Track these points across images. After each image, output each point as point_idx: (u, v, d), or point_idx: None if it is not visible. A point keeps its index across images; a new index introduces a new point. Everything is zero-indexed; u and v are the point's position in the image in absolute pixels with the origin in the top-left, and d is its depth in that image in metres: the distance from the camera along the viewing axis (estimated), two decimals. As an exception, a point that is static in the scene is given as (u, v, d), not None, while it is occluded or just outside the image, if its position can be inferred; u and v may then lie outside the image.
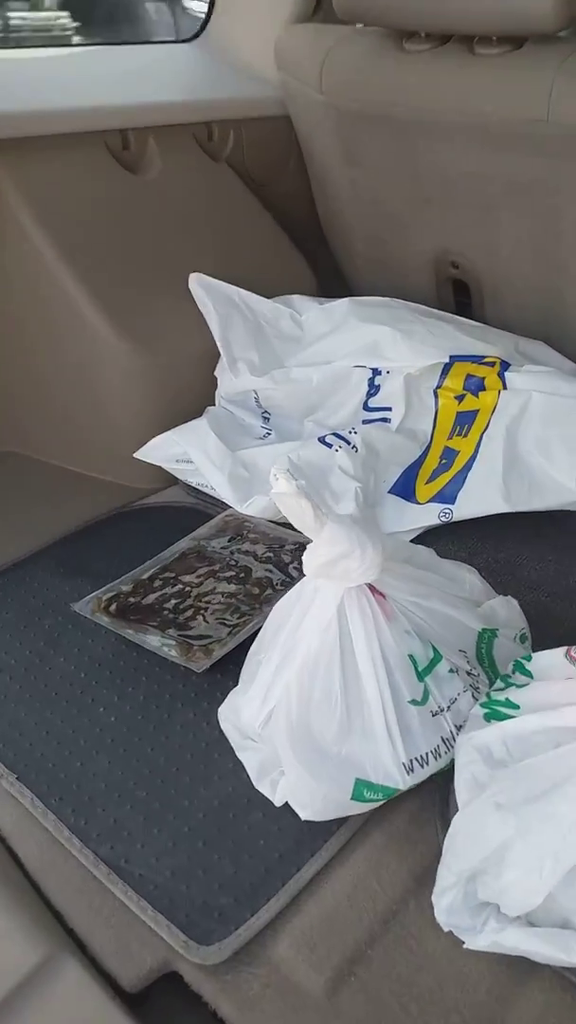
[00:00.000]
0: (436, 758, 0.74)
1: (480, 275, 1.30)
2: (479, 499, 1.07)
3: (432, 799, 0.79)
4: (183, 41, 1.60)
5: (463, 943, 0.65)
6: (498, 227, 1.20)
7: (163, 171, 1.36)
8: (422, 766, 0.74)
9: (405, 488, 1.16)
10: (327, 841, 0.76)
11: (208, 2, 1.56)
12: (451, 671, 0.77)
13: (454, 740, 0.75)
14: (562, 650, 0.74)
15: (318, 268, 1.51)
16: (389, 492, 1.16)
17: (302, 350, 1.26)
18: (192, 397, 1.25)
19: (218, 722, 0.84)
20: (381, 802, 0.75)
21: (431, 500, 1.12)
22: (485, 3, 1.08)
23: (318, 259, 1.53)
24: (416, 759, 0.74)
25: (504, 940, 0.63)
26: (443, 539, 1.10)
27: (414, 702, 0.73)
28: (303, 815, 0.74)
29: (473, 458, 1.11)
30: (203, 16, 1.57)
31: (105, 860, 0.74)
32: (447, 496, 1.10)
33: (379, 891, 0.72)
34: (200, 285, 1.28)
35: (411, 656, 0.75)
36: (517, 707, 0.72)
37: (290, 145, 1.50)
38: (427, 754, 0.74)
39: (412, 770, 0.74)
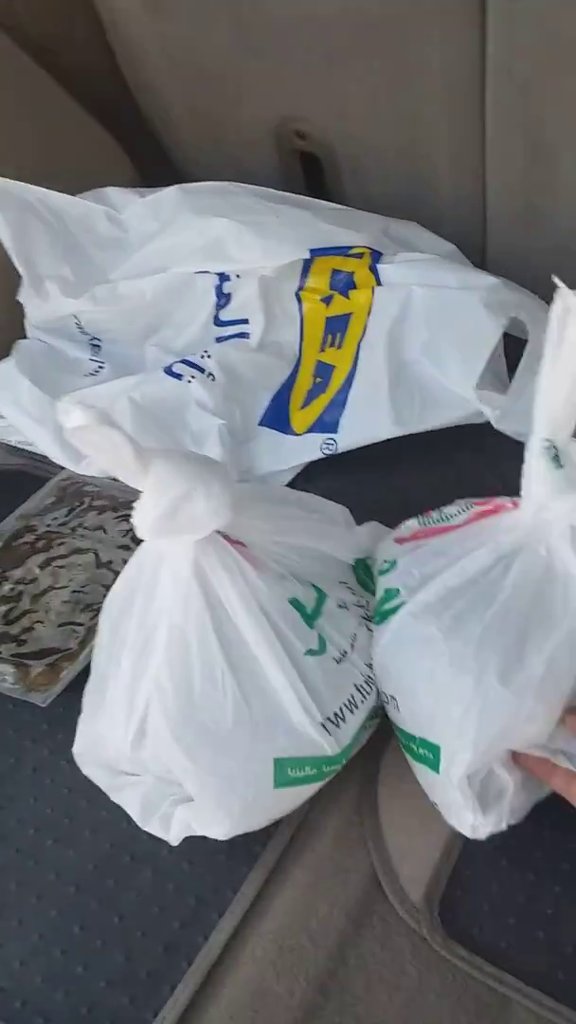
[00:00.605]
0: (355, 708, 0.62)
1: (332, 144, 1.10)
2: (365, 423, 0.92)
3: (355, 806, 0.66)
4: None
5: (420, 988, 0.54)
6: (348, 80, 1.00)
7: None
8: (344, 719, 0.61)
9: (278, 417, 0.98)
10: (237, 891, 0.62)
11: None
12: (340, 607, 0.64)
13: (369, 685, 0.63)
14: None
15: (136, 152, 1.26)
16: (260, 424, 0.98)
17: (128, 257, 1.04)
18: (-5, 333, 1.01)
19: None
20: (314, 784, 0.61)
21: (310, 430, 0.95)
22: None
23: (136, 141, 1.28)
24: (334, 715, 0.60)
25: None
26: (326, 473, 0.94)
27: (311, 652, 0.60)
28: (221, 833, 0.59)
29: (352, 374, 0.95)
30: None
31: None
32: (328, 424, 0.94)
33: (310, 947, 0.59)
34: (-17, 186, 1.02)
35: (294, 601, 0.61)
36: (397, 591, 0.63)
37: (77, -3, 1.22)
38: (343, 707, 0.61)
39: (337, 724, 0.61)
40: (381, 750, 0.69)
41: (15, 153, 1.09)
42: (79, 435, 0.51)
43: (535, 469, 0.58)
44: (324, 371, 0.98)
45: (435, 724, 0.58)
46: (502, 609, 0.57)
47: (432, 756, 0.58)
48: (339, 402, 0.94)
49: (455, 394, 0.90)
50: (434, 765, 0.58)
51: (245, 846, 0.64)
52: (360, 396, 0.93)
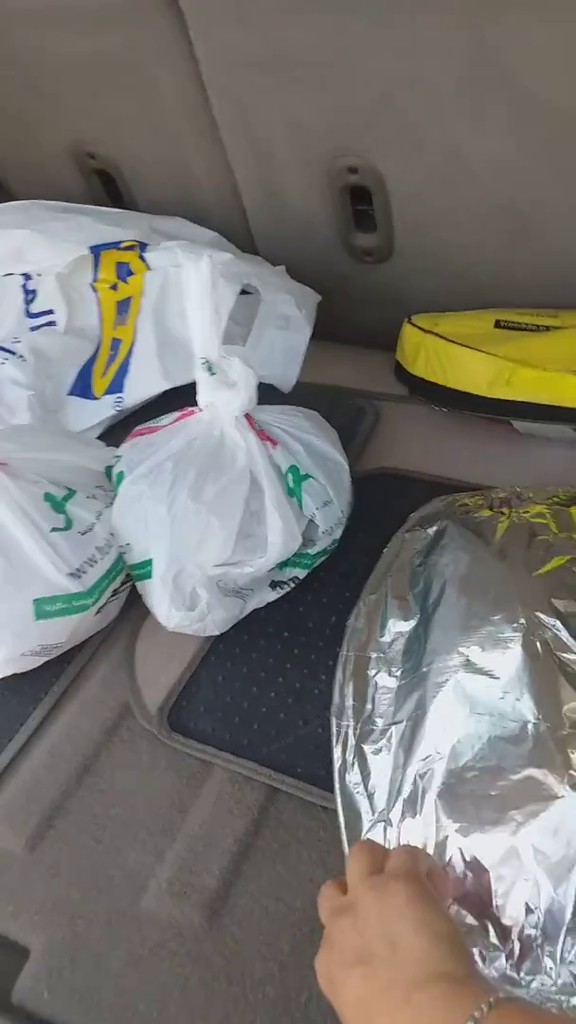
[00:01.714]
0: (96, 562, 0.82)
1: (116, 161, 1.28)
2: (143, 381, 1.11)
3: (119, 659, 0.85)
4: None
5: (151, 769, 0.73)
6: (113, 110, 1.18)
7: None
8: (91, 566, 0.82)
9: (83, 387, 1.17)
10: (23, 724, 0.81)
11: None
12: (89, 497, 0.86)
13: (108, 546, 0.84)
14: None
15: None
16: (69, 394, 1.17)
17: (-51, 270, 1.22)
18: None
19: None
20: (71, 616, 0.80)
21: (105, 392, 1.14)
22: None
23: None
24: (78, 568, 0.81)
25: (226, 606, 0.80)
26: (119, 431, 1.12)
27: (56, 529, 0.80)
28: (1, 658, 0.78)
29: (133, 343, 1.14)
30: None
31: None
32: (116, 385, 1.13)
33: (72, 752, 0.78)
34: None
35: (47, 495, 0.81)
36: (122, 473, 0.86)
37: None
38: (86, 562, 0.81)
39: (81, 574, 0.81)
40: (140, 621, 0.89)
41: None
42: None
43: (200, 379, 0.80)
44: (116, 345, 1.17)
45: (149, 546, 0.80)
46: (187, 466, 0.80)
47: (149, 568, 0.80)
48: (124, 367, 1.13)
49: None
50: (149, 574, 0.79)
51: (31, 693, 0.83)
52: (138, 360, 1.12)
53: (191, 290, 0.79)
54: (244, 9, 0.94)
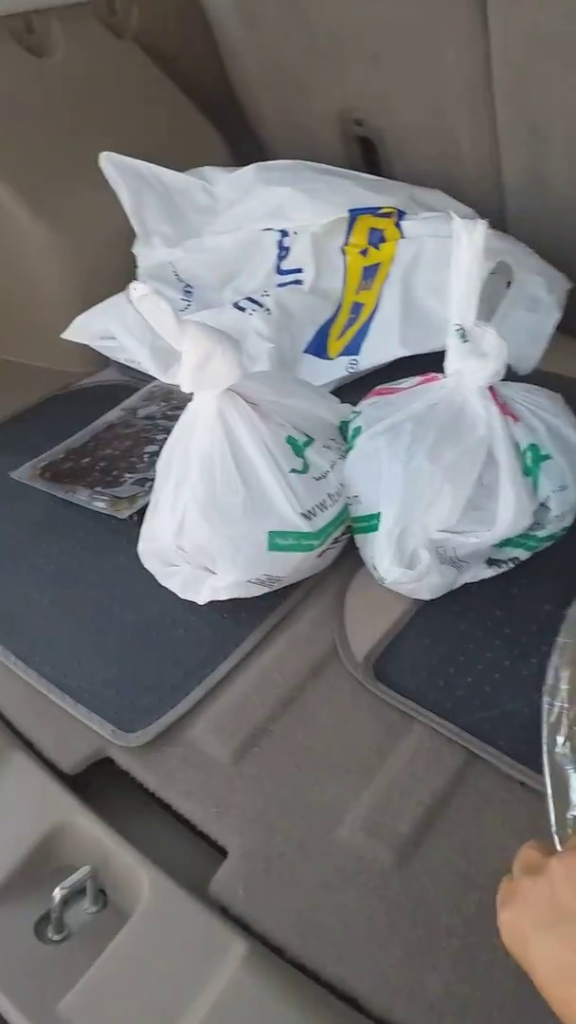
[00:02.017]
0: (326, 508, 0.85)
1: (381, 130, 1.29)
2: (381, 347, 1.12)
3: (329, 604, 0.88)
4: None
5: (353, 711, 0.76)
6: (389, 78, 1.20)
7: (68, 52, 1.34)
8: (321, 511, 0.85)
9: (319, 346, 1.20)
10: (238, 646, 0.85)
11: None
12: (325, 447, 0.88)
13: (339, 494, 0.86)
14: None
15: (236, 137, 1.50)
16: (304, 351, 1.20)
17: (215, 219, 1.28)
18: (115, 274, 1.27)
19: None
20: (296, 553, 0.83)
21: (340, 354, 1.16)
22: None
23: (236, 127, 1.52)
24: (309, 510, 0.84)
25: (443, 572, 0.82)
26: (350, 390, 1.15)
27: (295, 471, 0.83)
28: (233, 578, 0.83)
29: (375, 309, 1.15)
30: None
31: (47, 677, 0.83)
32: (353, 348, 1.15)
33: (281, 681, 0.82)
34: (111, 163, 1.28)
35: (289, 439, 0.84)
36: (360, 428, 0.88)
37: (195, 13, 1.47)
38: (317, 505, 0.84)
39: (312, 516, 0.84)
40: (353, 573, 0.91)
41: (138, 138, 1.34)
42: (140, 304, 0.76)
43: (451, 345, 0.80)
44: (356, 308, 1.19)
45: (380, 500, 0.82)
46: (427, 429, 0.81)
47: (375, 522, 0.82)
48: (363, 332, 1.15)
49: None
50: (375, 527, 0.82)
51: (247, 620, 0.88)
52: (378, 326, 1.13)
53: (458, 255, 0.78)
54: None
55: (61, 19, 1.34)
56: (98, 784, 0.77)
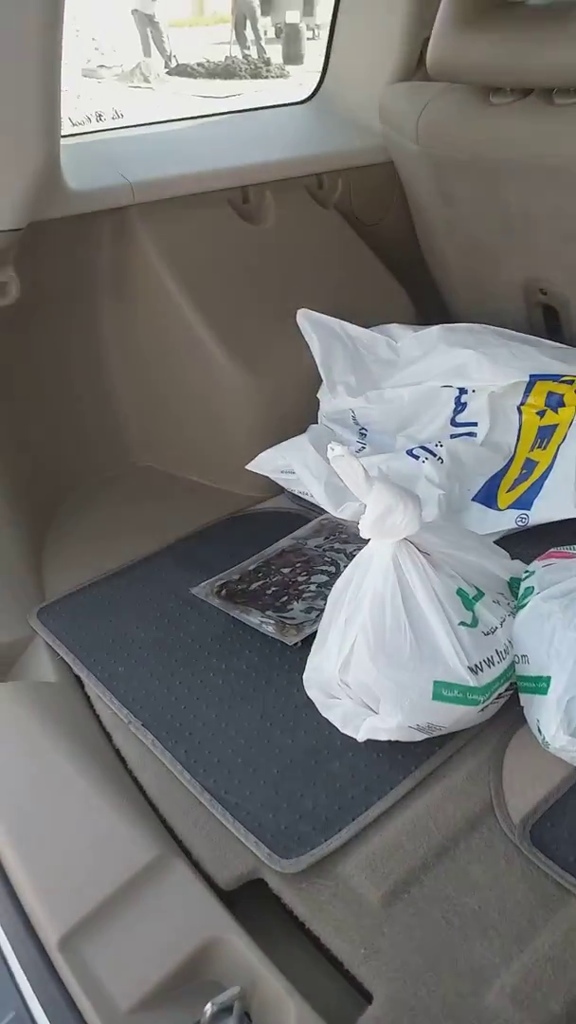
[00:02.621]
0: (494, 664, 0.89)
1: (567, 300, 1.40)
2: (553, 505, 1.18)
3: (487, 759, 0.91)
4: (299, 103, 1.80)
5: (506, 873, 0.77)
6: (577, 256, 1.31)
7: (278, 219, 1.55)
8: (488, 667, 0.89)
9: (488, 496, 1.27)
10: (393, 788, 0.89)
11: (322, 68, 1.75)
12: (495, 602, 0.93)
13: (507, 651, 0.91)
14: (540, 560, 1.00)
15: (421, 297, 1.66)
16: (473, 500, 1.28)
17: (396, 373, 1.41)
18: (297, 417, 1.42)
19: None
20: (459, 706, 0.87)
21: (510, 506, 1.23)
22: (562, 59, 1.21)
23: (422, 289, 1.68)
24: (476, 664, 0.88)
25: None
26: (519, 544, 1.21)
27: (464, 624, 0.89)
28: (394, 722, 0.87)
29: (550, 468, 1.22)
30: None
31: (208, 790, 0.90)
32: (524, 502, 1.21)
33: (435, 831, 0.85)
34: (306, 319, 1.45)
35: (459, 591, 0.90)
36: (532, 588, 0.94)
37: (393, 188, 1.66)
38: (484, 661, 0.89)
39: (478, 671, 0.88)
40: (513, 730, 0.94)
41: (334, 297, 1.52)
42: (336, 462, 0.86)
43: None
44: (529, 465, 1.26)
45: (550, 664, 0.86)
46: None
47: (545, 685, 0.86)
48: (536, 487, 1.22)
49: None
50: (544, 691, 0.85)
51: (403, 763, 0.92)
52: (553, 484, 1.20)
53: None
54: None
55: (274, 191, 1.56)
56: (249, 903, 0.82)
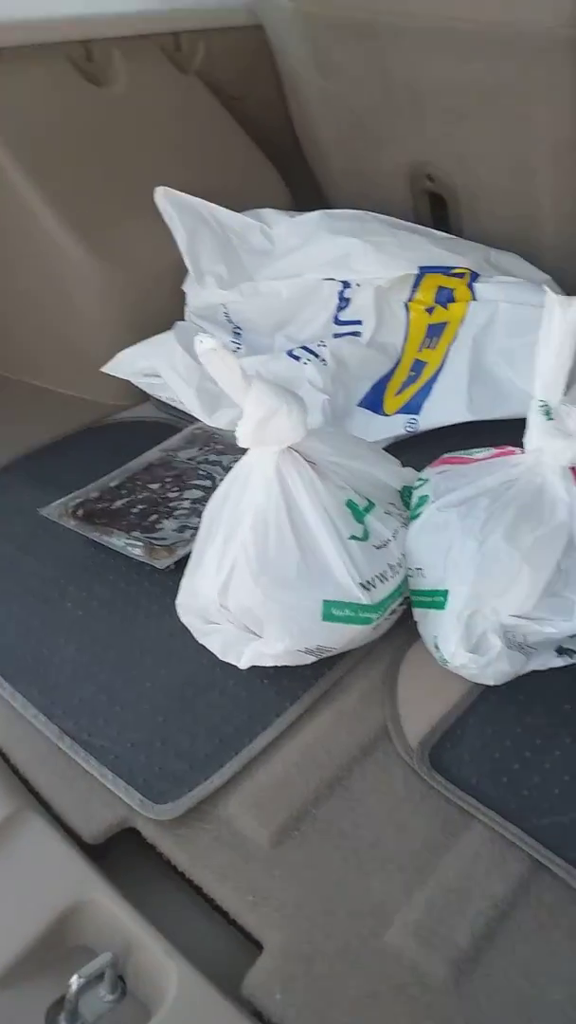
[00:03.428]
0: (386, 579, 0.84)
1: (455, 187, 1.34)
2: (444, 408, 1.13)
3: (380, 679, 0.87)
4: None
5: (404, 800, 0.74)
6: (470, 136, 1.24)
7: (129, 84, 1.39)
8: (381, 582, 0.84)
9: (374, 401, 1.22)
10: (279, 716, 0.84)
11: None
12: (387, 513, 0.88)
13: (400, 565, 0.86)
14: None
15: (294, 182, 1.55)
16: (358, 405, 1.22)
17: (272, 263, 1.31)
18: (161, 311, 1.30)
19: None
20: (352, 625, 0.82)
21: (398, 411, 1.18)
22: None
23: (295, 172, 1.57)
24: (368, 581, 0.83)
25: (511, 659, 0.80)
26: (408, 450, 1.16)
27: (354, 538, 0.83)
28: (282, 648, 0.81)
29: (440, 369, 1.17)
30: None
31: (69, 734, 0.82)
32: (413, 406, 1.16)
33: (326, 760, 0.80)
34: (167, 199, 1.32)
35: (349, 503, 0.84)
36: (427, 497, 0.89)
37: (263, 57, 1.53)
38: (377, 576, 0.83)
39: (371, 587, 0.83)
40: (406, 646, 0.90)
41: (198, 175, 1.39)
42: (206, 357, 0.77)
43: (533, 421, 0.80)
44: (418, 367, 1.21)
45: (448, 576, 0.81)
46: (504, 507, 0.80)
47: (442, 599, 0.81)
48: (425, 391, 1.17)
49: (524, 391, 1.10)
50: (442, 605, 0.81)
51: (290, 689, 0.86)
52: (443, 387, 1.15)
53: (548, 330, 0.79)
54: None
55: (123, 50, 1.39)
56: (120, 855, 0.75)
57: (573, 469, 0.85)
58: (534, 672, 0.86)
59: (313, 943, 0.67)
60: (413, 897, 0.69)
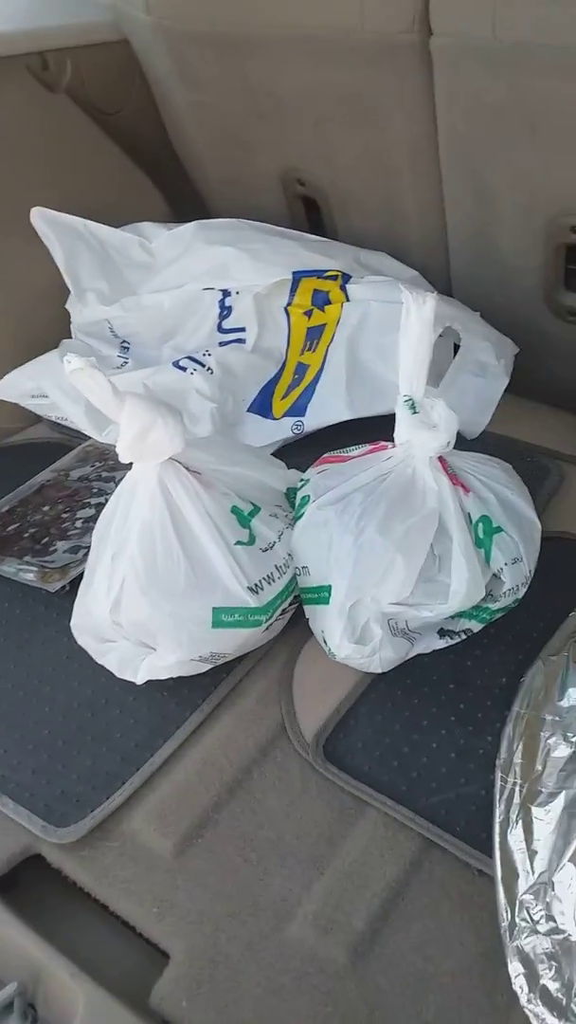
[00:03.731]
0: (273, 580, 0.86)
1: (325, 190, 1.35)
2: (326, 409, 1.15)
3: (277, 678, 0.89)
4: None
5: (302, 795, 0.75)
6: (333, 141, 1.26)
7: (-5, 104, 1.37)
8: (268, 584, 0.86)
9: (262, 406, 1.23)
10: (179, 727, 0.85)
11: None
12: (272, 516, 0.89)
13: (287, 565, 0.87)
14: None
15: (176, 193, 1.54)
16: (248, 411, 1.23)
17: (153, 276, 1.31)
18: (46, 333, 1.29)
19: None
20: (242, 629, 0.83)
21: (285, 414, 1.19)
22: None
23: (176, 183, 1.57)
24: (256, 584, 0.84)
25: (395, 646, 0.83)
26: (296, 453, 1.17)
27: (240, 543, 0.84)
28: (175, 659, 0.82)
29: (321, 370, 1.19)
30: None
31: (-33, 766, 0.81)
32: (298, 408, 1.18)
33: (226, 764, 0.81)
34: (42, 219, 1.30)
35: (234, 508, 0.85)
36: (308, 497, 0.90)
37: (132, 72, 1.51)
38: (264, 579, 0.85)
39: (258, 590, 0.84)
40: (301, 644, 0.92)
41: (72, 193, 1.37)
42: (75, 377, 0.77)
43: (400, 416, 0.83)
44: (301, 369, 1.22)
45: (331, 572, 0.83)
46: (377, 500, 0.83)
47: (326, 594, 0.83)
48: (308, 393, 1.18)
49: (398, 387, 1.13)
50: (326, 600, 0.83)
51: (189, 699, 0.87)
52: (324, 388, 1.17)
53: (407, 327, 0.82)
54: (493, 58, 0.98)
55: None
56: (28, 881, 0.75)
57: (440, 458, 0.88)
58: (420, 656, 0.88)
59: (217, 946, 0.68)
60: (312, 889, 0.71)
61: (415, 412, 0.84)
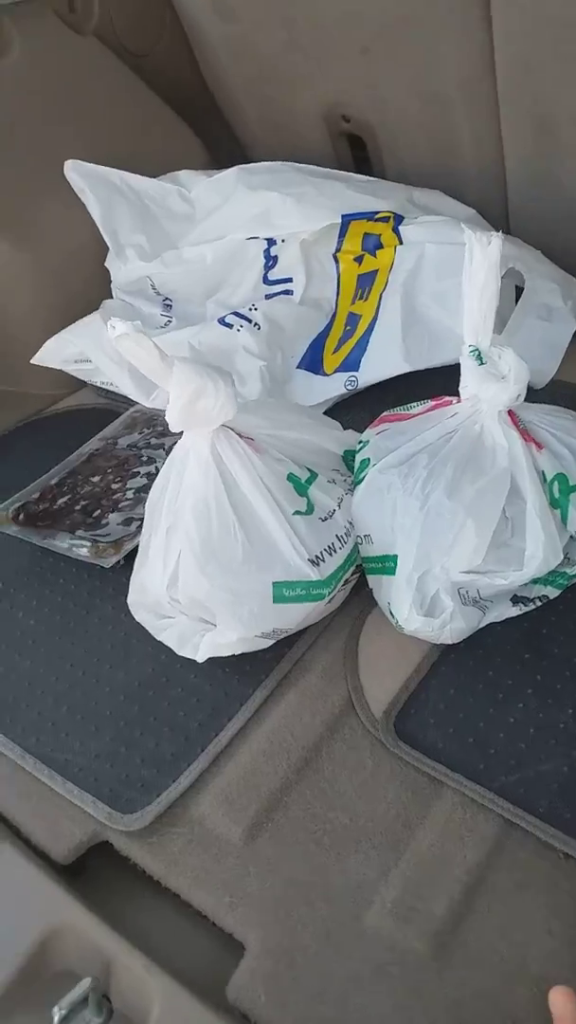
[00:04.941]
0: (335, 551, 0.81)
1: (372, 126, 1.26)
2: (381, 362, 1.09)
3: (341, 652, 0.84)
4: None
5: (374, 775, 0.71)
6: (379, 71, 1.16)
7: (23, 52, 1.30)
8: (330, 555, 0.81)
9: (313, 361, 1.16)
10: (243, 704, 0.81)
11: None
12: (330, 482, 0.84)
13: (348, 535, 0.83)
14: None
15: (213, 137, 1.46)
16: (298, 367, 1.17)
17: (194, 228, 1.24)
18: (86, 293, 1.23)
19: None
20: (305, 603, 0.79)
21: (337, 370, 1.13)
22: None
23: (213, 128, 1.48)
24: (317, 556, 0.80)
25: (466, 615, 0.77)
26: (350, 411, 1.11)
27: (299, 513, 0.80)
28: (235, 636, 0.78)
29: (374, 320, 1.12)
30: None
31: (31, 752, 0.79)
32: (351, 363, 1.11)
33: (293, 743, 0.78)
34: (77, 172, 1.24)
35: (290, 476, 0.81)
36: (368, 460, 0.85)
37: (163, 9, 1.43)
38: (325, 550, 0.80)
39: (320, 562, 0.80)
40: (365, 614, 0.87)
41: (106, 143, 1.30)
42: (121, 343, 0.72)
43: (466, 367, 0.76)
44: (353, 320, 1.15)
45: (396, 541, 0.78)
46: (443, 461, 0.77)
47: (392, 564, 0.78)
48: (362, 345, 1.11)
49: (459, 336, 1.05)
50: (392, 571, 0.78)
51: (252, 674, 0.83)
52: (378, 339, 1.10)
53: (470, 271, 0.75)
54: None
55: (13, 16, 1.30)
56: (96, 870, 0.73)
57: (510, 413, 0.81)
58: (492, 624, 0.83)
59: (293, 936, 0.65)
60: (389, 875, 0.68)
61: (482, 363, 0.77)
